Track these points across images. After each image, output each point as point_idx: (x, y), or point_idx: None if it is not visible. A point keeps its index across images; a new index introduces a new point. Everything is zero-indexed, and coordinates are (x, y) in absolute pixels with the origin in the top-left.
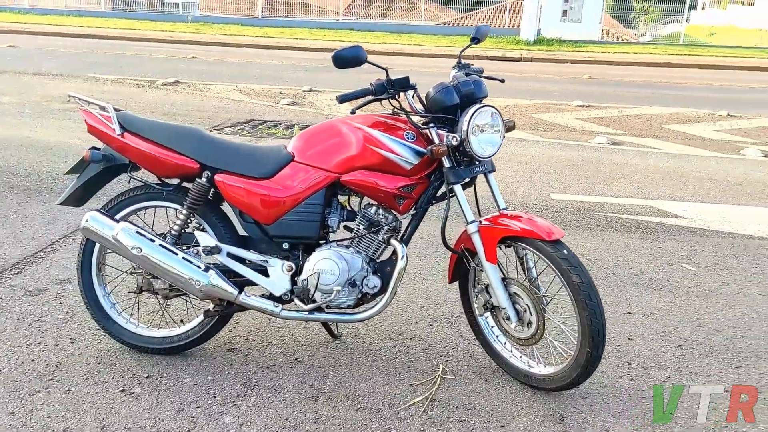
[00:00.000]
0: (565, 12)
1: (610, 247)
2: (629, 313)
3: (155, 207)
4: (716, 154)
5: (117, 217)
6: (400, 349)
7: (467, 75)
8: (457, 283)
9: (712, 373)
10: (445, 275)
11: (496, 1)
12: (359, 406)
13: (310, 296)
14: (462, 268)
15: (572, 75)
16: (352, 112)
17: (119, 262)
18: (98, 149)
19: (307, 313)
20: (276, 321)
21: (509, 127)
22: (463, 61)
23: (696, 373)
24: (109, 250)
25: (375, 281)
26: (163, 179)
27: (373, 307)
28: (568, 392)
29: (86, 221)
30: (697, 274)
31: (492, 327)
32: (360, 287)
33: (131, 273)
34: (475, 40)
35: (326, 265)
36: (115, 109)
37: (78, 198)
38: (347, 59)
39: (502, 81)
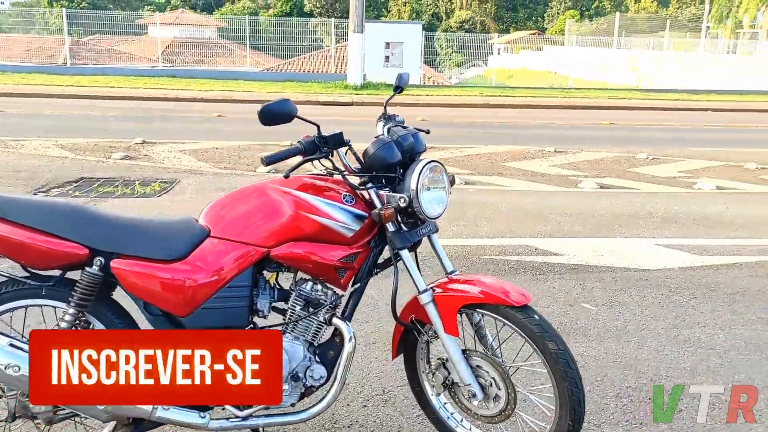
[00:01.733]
0: (387, 58)
1: None
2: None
3: (28, 307)
4: (559, 189)
5: None
6: None
7: (396, 127)
8: (392, 355)
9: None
10: (365, 345)
11: (315, 48)
12: None
13: None
14: (408, 341)
15: (406, 117)
16: (286, 176)
17: None
18: None
19: (241, 420)
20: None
21: (452, 182)
22: (387, 112)
23: (643, 424)
24: None
25: (320, 371)
26: (37, 271)
27: (321, 401)
28: None
29: None
30: (598, 313)
31: (445, 404)
32: (303, 380)
33: (0, 396)
34: (398, 88)
35: None
36: None
37: None
38: (276, 114)
39: (428, 132)
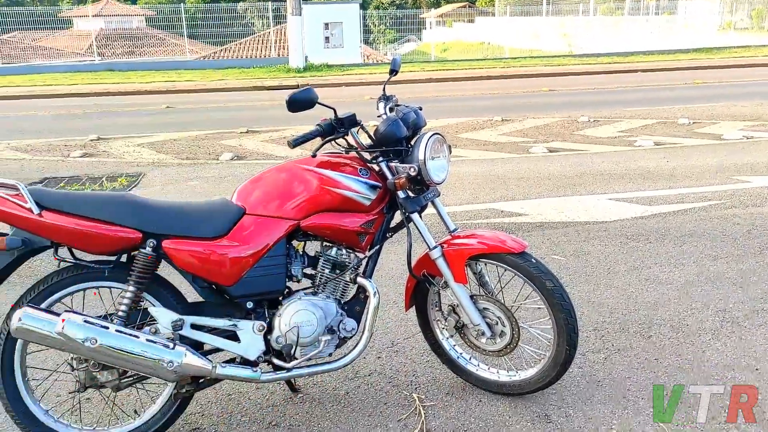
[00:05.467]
0: (327, 39)
1: None
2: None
3: (91, 289)
4: (511, 155)
5: (44, 306)
6: (366, 388)
7: (399, 106)
8: (405, 307)
9: (632, 346)
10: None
11: (248, 33)
12: None
13: (292, 352)
14: (419, 293)
15: (353, 97)
16: (313, 155)
17: (44, 361)
18: (5, 235)
19: (287, 371)
20: (225, 388)
21: (449, 151)
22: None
23: (620, 349)
24: (33, 349)
25: (352, 323)
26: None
27: (353, 349)
28: (539, 393)
29: (20, 320)
30: (568, 262)
31: (454, 346)
32: (338, 332)
33: (72, 369)
34: (393, 71)
35: (303, 317)
36: (25, 186)
37: None
38: (301, 102)
39: (420, 108)
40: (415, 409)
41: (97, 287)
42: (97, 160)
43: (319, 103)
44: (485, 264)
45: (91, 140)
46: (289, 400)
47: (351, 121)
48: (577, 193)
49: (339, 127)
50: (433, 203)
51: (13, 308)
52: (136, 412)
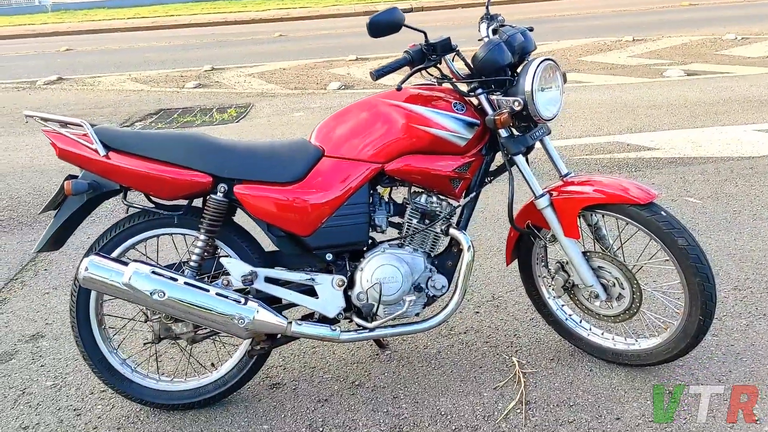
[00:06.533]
0: None
1: None
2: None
3: (161, 236)
4: (644, 80)
5: (114, 254)
6: (460, 348)
7: (504, 26)
8: (506, 261)
9: None
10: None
11: None
12: (453, 427)
13: (374, 311)
14: (522, 246)
15: (467, 20)
16: (398, 88)
17: (122, 309)
18: (75, 177)
19: (369, 331)
20: (308, 341)
21: (564, 80)
22: (490, 12)
23: (766, 314)
24: (108, 298)
25: (442, 280)
26: (164, 201)
27: (444, 309)
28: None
29: (86, 270)
30: (704, 206)
31: (562, 306)
32: (426, 290)
33: (146, 320)
34: None
35: (386, 272)
36: (90, 125)
37: (57, 240)
38: (384, 25)
39: (531, 29)
40: (514, 376)
41: (169, 234)
42: (210, 90)
43: (406, 26)
44: (602, 216)
45: (205, 71)
46: (376, 357)
47: (444, 47)
48: (718, 123)
49: (430, 53)
50: (541, 142)
51: (87, 255)
52: (213, 365)
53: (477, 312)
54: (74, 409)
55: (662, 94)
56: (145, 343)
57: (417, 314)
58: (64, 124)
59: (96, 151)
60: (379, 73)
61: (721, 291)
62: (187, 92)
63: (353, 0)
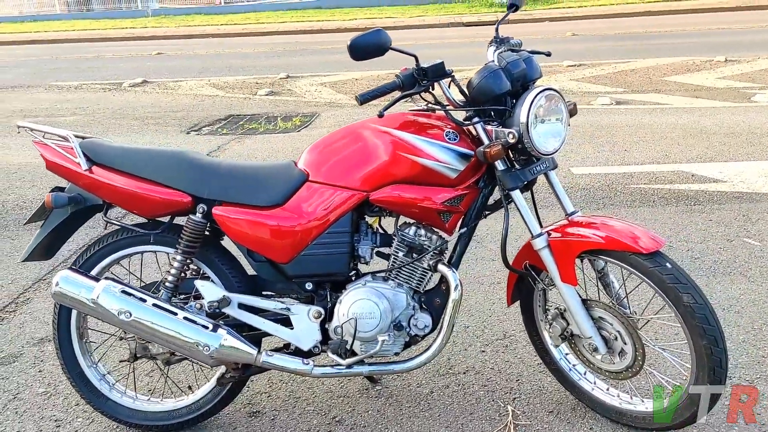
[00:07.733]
0: None
1: (657, 226)
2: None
3: (141, 253)
4: (728, 104)
5: (95, 270)
6: (455, 389)
7: (506, 52)
8: (507, 302)
9: None
10: (489, 284)
11: None
12: None
13: (348, 348)
14: (523, 287)
15: (554, 33)
16: (380, 115)
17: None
18: (62, 189)
19: (345, 367)
20: None
21: (571, 112)
22: (501, 34)
23: None
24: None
25: (425, 319)
26: (147, 219)
27: (426, 351)
28: None
29: (57, 284)
30: (763, 249)
31: (566, 355)
32: (407, 329)
33: (121, 338)
34: (513, 6)
35: (364, 307)
36: (78, 137)
37: (45, 250)
38: (367, 47)
39: (548, 54)
40: (504, 427)
41: (152, 251)
42: (280, 98)
43: (394, 49)
44: (606, 262)
45: (280, 78)
46: (365, 392)
47: (436, 72)
48: None
49: (421, 78)
50: (546, 177)
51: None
52: (190, 387)
53: (483, 351)
54: (56, 420)
55: (745, 121)
56: (120, 361)
57: (396, 354)
58: (52, 136)
59: (79, 164)
60: (364, 98)
61: (761, 349)
62: (258, 99)
63: (441, 11)
